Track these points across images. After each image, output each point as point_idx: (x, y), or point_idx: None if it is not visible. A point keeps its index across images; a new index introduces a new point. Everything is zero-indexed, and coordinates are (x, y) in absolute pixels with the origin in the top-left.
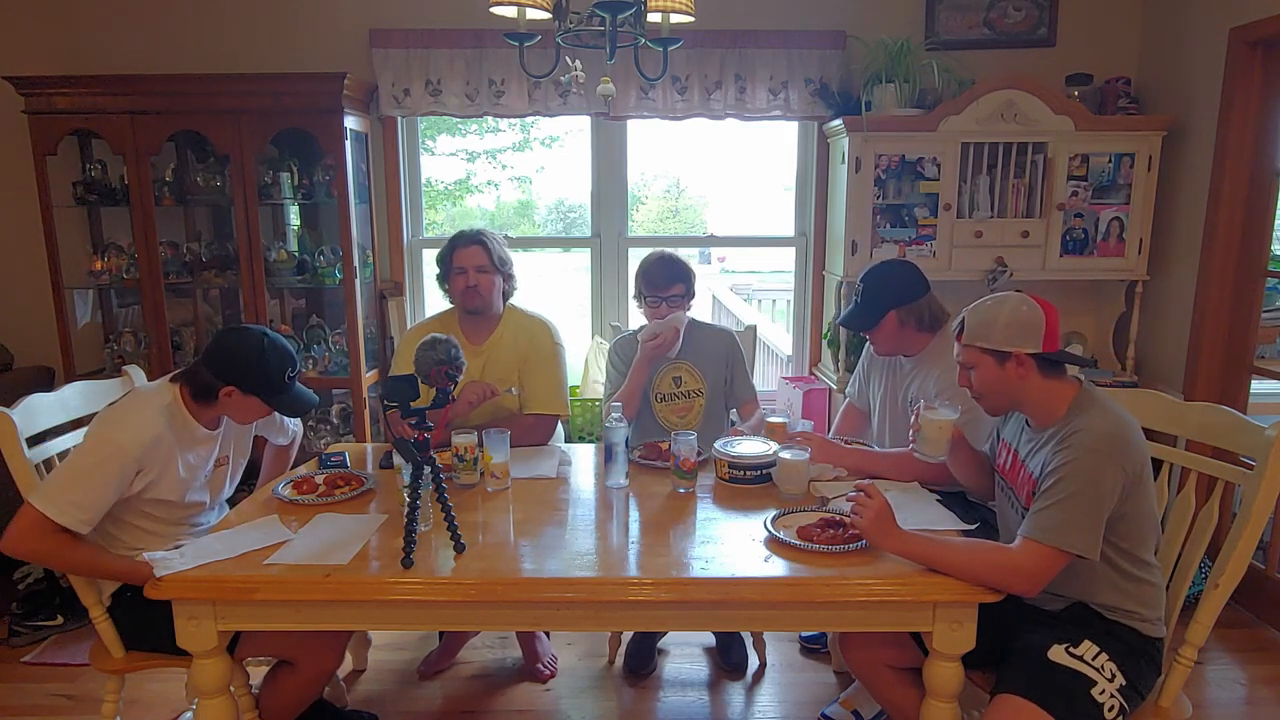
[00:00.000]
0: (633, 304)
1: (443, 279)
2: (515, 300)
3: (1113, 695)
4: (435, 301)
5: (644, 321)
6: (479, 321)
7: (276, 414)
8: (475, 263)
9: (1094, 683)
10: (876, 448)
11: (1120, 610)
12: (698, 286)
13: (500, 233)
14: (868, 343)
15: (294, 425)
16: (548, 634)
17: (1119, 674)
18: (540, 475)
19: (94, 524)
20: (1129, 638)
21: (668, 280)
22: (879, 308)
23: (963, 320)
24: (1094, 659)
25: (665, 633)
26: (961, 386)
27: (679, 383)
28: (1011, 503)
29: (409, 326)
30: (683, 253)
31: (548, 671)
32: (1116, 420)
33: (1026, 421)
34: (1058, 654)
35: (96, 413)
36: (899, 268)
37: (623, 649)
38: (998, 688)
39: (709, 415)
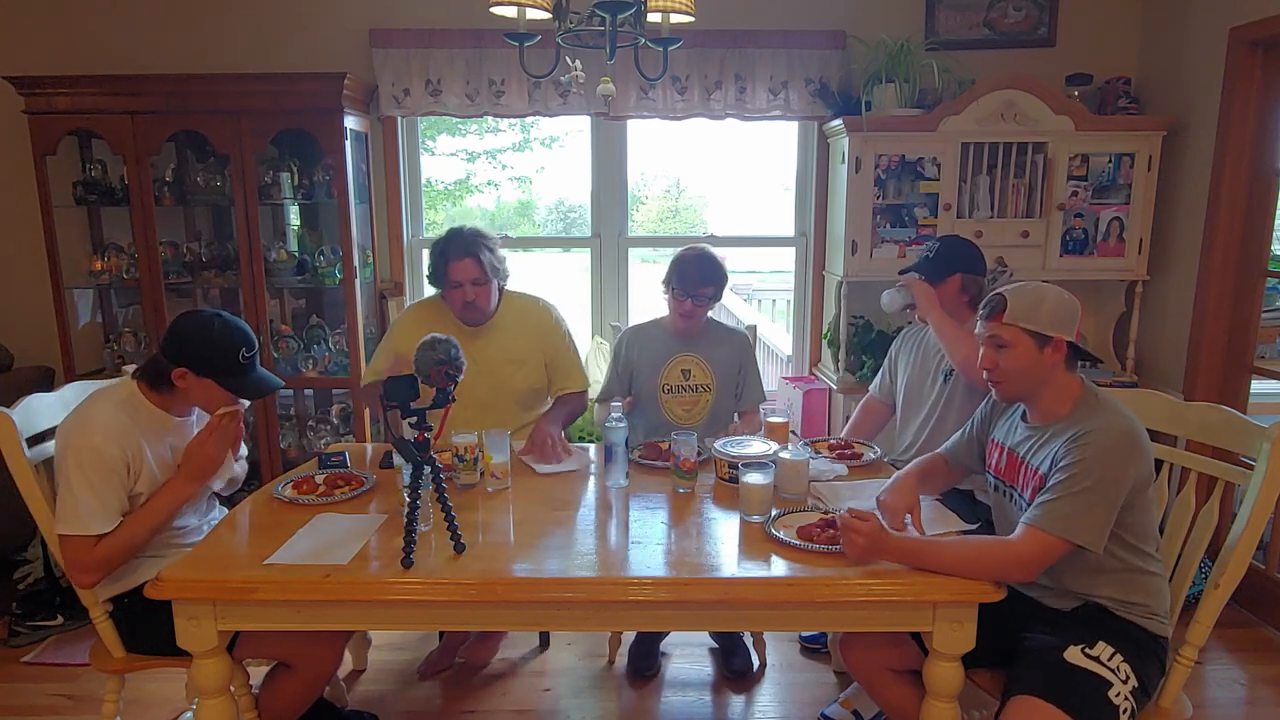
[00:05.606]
0: (635, 308)
1: (435, 279)
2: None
3: (1126, 697)
4: None
5: (665, 311)
6: None
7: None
8: (470, 276)
9: (1110, 685)
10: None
11: (1128, 604)
12: None
13: (499, 233)
14: (896, 338)
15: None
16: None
17: (1132, 675)
18: (574, 468)
19: (120, 517)
20: (1138, 637)
21: (701, 280)
22: (949, 266)
23: (1001, 299)
24: (1109, 660)
25: (667, 633)
26: (984, 367)
27: (687, 375)
28: (1014, 501)
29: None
30: None
31: (460, 659)
32: (1131, 420)
33: (1023, 416)
34: (1074, 655)
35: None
36: (973, 244)
37: (625, 650)
38: (1014, 688)
39: (715, 413)
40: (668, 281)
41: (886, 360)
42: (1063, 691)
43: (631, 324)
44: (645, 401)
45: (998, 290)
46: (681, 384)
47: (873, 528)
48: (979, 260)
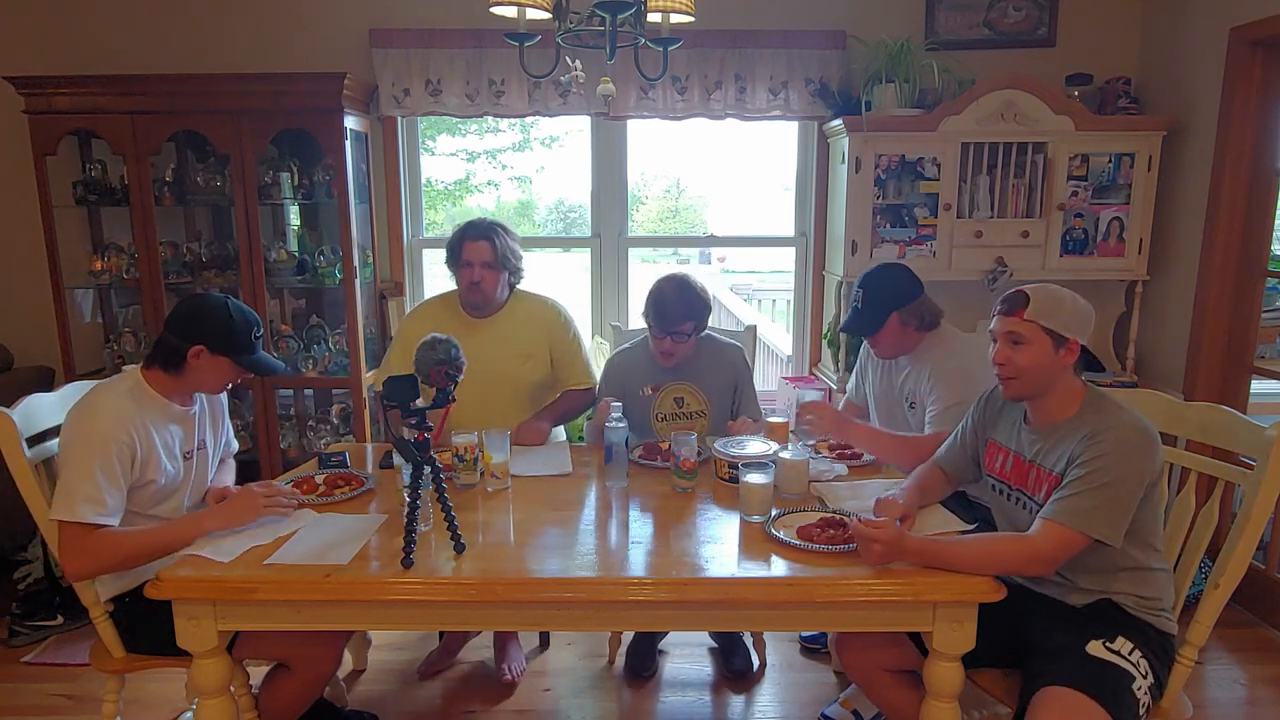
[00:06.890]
0: (635, 308)
1: (450, 257)
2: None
3: (1145, 692)
4: None
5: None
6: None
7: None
8: (482, 258)
9: (1134, 678)
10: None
11: (1139, 598)
12: None
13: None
14: (864, 343)
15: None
16: (523, 645)
17: (1150, 672)
18: (558, 473)
19: (118, 513)
20: (1151, 634)
21: (680, 316)
22: (882, 310)
23: (1023, 295)
24: (1129, 654)
25: (666, 633)
26: (997, 362)
27: (680, 404)
28: (1021, 504)
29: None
30: (683, 253)
31: (509, 676)
32: (1144, 418)
33: (1024, 418)
34: (1097, 649)
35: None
36: (896, 270)
37: (623, 650)
38: (1040, 682)
39: (711, 436)
40: (646, 315)
41: (857, 363)
42: (1091, 682)
43: (617, 349)
44: (639, 430)
45: (1020, 288)
46: (675, 412)
47: (889, 533)
48: (910, 285)
